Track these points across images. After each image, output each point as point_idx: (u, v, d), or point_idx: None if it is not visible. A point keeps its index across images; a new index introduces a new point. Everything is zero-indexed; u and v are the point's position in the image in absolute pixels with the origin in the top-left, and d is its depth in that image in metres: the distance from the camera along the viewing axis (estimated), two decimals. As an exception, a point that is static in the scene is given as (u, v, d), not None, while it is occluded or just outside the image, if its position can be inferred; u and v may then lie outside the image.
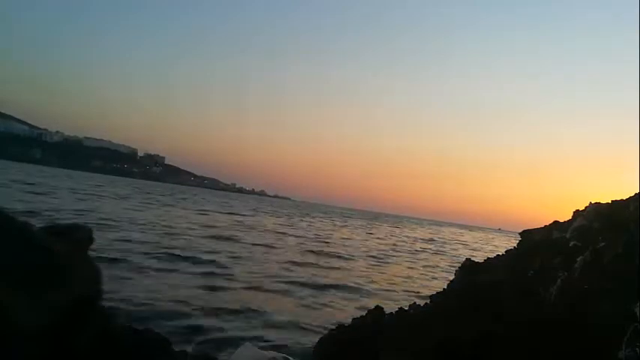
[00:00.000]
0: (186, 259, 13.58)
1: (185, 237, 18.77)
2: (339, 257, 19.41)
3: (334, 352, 4.85)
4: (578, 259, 4.18)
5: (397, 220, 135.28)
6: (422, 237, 45.92)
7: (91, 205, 27.58)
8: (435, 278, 16.95)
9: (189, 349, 6.29)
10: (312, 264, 16.43)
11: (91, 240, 0.99)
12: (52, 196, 29.14)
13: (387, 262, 20.24)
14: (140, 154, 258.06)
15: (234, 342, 6.48)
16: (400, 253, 25.19)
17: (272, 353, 3.91)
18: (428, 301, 5.16)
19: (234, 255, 15.81)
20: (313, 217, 61.03)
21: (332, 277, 14.08)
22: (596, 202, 5.29)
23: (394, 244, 31.03)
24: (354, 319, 5.34)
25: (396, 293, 13.02)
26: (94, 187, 52.06)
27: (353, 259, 19.36)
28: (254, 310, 8.87)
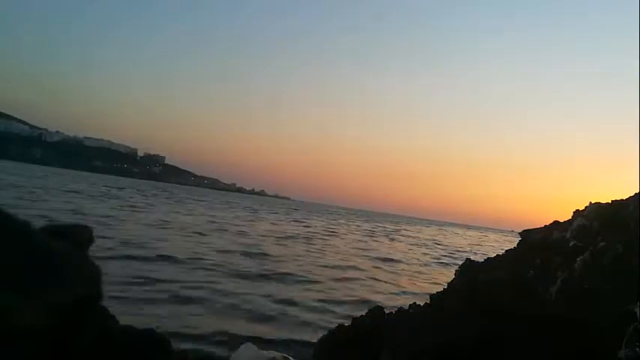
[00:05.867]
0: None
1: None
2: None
3: (334, 352, 4.85)
4: (578, 259, 4.18)
5: (412, 222, 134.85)
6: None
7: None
8: None
9: (189, 348, 6.30)
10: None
11: (91, 240, 0.98)
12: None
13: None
14: (140, 154, 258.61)
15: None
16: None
17: (272, 353, 3.90)
18: (428, 301, 5.15)
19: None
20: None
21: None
22: (596, 202, 5.29)
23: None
24: (353, 319, 5.33)
25: None
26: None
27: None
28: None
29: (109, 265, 10.26)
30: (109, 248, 12.71)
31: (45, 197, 27.98)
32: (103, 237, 14.08)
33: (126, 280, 9.55)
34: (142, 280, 9.87)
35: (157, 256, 12.89)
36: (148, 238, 16.35)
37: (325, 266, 15.66)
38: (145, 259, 12.30)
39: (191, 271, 11.73)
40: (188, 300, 8.96)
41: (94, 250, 0.94)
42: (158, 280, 10.03)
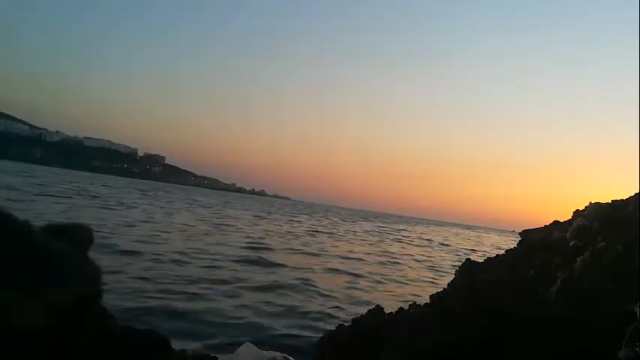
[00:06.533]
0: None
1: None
2: None
3: (334, 352, 4.84)
4: (578, 259, 4.18)
5: (412, 222, 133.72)
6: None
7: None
8: None
9: (189, 348, 6.27)
10: None
11: (91, 240, 0.98)
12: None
13: None
14: (140, 154, 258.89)
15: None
16: None
17: (272, 353, 3.90)
18: (428, 301, 5.15)
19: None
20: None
21: None
22: (596, 202, 5.29)
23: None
24: (353, 319, 5.33)
25: None
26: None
27: None
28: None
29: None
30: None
31: (43, 198, 27.98)
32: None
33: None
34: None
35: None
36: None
37: (329, 270, 15.49)
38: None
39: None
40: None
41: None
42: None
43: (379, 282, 14.49)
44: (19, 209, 17.69)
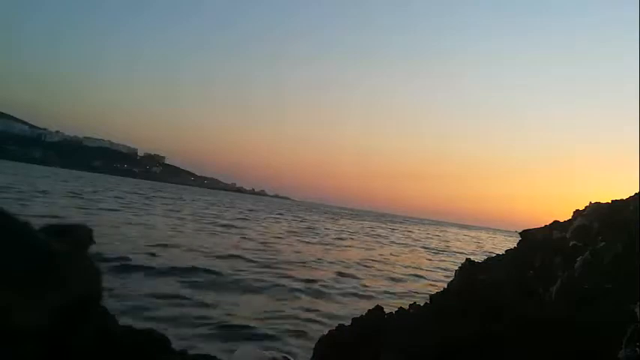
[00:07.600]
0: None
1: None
2: None
3: (334, 352, 4.84)
4: (578, 259, 4.18)
5: (413, 222, 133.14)
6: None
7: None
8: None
9: (189, 348, 6.27)
10: None
11: (91, 240, 0.98)
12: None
13: None
14: (140, 154, 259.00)
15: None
16: None
17: (272, 353, 3.90)
18: (428, 301, 5.15)
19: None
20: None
21: None
22: (596, 202, 5.29)
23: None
24: (353, 319, 5.33)
25: None
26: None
27: None
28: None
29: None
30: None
31: (42, 198, 27.96)
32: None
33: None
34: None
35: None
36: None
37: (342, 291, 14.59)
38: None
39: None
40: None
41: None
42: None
43: (379, 291, 14.35)
44: (19, 209, 17.69)
